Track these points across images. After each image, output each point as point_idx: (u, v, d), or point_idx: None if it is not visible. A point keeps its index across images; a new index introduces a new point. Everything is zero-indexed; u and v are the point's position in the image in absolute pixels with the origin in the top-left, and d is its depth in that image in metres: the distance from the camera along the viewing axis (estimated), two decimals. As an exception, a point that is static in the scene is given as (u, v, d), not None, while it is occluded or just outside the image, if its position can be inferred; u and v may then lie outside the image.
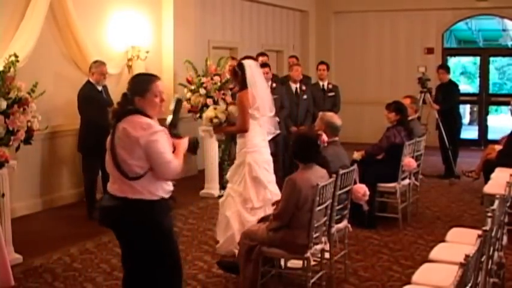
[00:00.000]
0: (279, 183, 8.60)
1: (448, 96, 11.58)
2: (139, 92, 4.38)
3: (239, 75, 6.93)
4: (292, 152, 5.71)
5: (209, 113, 7.50)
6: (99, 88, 8.56)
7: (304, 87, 10.79)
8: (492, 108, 17.13)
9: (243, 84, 6.91)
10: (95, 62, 8.66)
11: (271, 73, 10.41)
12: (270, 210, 6.84)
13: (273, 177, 7.06)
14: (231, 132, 7.54)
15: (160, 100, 4.44)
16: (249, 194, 6.87)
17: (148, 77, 4.58)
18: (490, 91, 16.67)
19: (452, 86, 11.82)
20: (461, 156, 12.51)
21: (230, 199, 6.98)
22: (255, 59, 8.13)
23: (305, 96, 10.70)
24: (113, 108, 4.58)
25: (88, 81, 8.56)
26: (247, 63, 7.05)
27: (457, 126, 11.81)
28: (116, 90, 9.23)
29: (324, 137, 6.12)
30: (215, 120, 7.37)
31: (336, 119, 6.67)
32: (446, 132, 11.57)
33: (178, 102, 4.80)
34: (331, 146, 6.46)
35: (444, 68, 12.04)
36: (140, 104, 4.35)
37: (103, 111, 8.20)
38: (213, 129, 7.71)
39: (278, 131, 7.47)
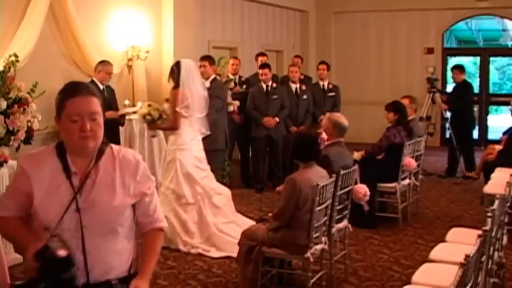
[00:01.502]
0: (279, 183, 8.67)
1: (461, 96, 11.62)
2: (56, 110, 2.92)
3: (175, 73, 7.17)
4: (292, 151, 5.71)
5: (142, 110, 7.70)
6: (101, 87, 8.57)
7: (304, 87, 10.78)
8: (492, 108, 17.12)
9: (176, 83, 7.16)
10: (102, 61, 8.75)
11: (270, 74, 10.39)
12: (204, 205, 7.09)
13: (206, 174, 7.29)
14: (163, 129, 7.78)
15: (80, 128, 2.80)
16: (182, 191, 7.08)
17: (69, 89, 2.92)
18: (490, 91, 16.68)
19: (466, 86, 11.84)
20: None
21: (163, 197, 7.10)
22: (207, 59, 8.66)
23: (305, 96, 10.69)
24: None
25: (91, 81, 8.58)
26: (184, 62, 7.29)
27: (469, 127, 11.80)
28: (116, 90, 9.24)
29: (324, 136, 6.13)
30: (148, 117, 7.60)
31: (343, 119, 6.67)
32: (456, 132, 11.61)
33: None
34: (336, 147, 6.46)
35: (458, 68, 12.07)
36: (59, 128, 2.94)
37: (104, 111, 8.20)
38: (146, 126, 7.87)
39: (208, 132, 7.60)
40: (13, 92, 6.39)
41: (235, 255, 6.36)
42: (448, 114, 12.04)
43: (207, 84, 8.61)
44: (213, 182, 7.36)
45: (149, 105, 7.87)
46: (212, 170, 8.31)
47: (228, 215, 7.32)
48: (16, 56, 6.61)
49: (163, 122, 7.53)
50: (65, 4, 8.86)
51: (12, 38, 8.11)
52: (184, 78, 7.14)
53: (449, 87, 14.81)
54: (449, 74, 14.51)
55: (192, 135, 7.27)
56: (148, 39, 10.56)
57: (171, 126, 7.26)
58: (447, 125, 12.16)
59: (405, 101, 8.99)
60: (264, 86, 10.30)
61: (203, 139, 8.30)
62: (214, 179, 7.44)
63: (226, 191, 7.52)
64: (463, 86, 11.75)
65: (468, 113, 11.79)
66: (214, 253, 6.85)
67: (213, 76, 8.77)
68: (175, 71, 7.19)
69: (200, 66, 8.72)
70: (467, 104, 11.73)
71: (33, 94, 6.59)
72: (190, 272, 6.42)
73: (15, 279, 5.96)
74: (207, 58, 8.82)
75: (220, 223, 7.14)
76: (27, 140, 6.62)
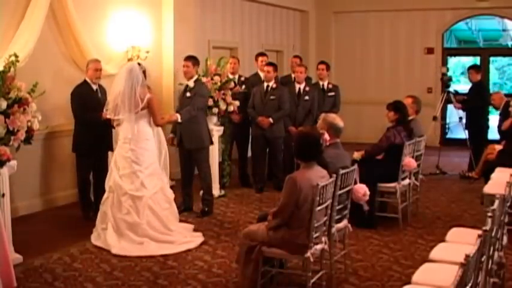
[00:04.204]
0: (280, 183, 8.69)
1: (475, 96, 11.65)
2: None
3: None
4: (294, 150, 5.70)
5: None
6: (94, 87, 8.54)
7: (307, 88, 10.70)
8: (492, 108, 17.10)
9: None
10: (91, 59, 8.70)
11: (273, 73, 10.33)
12: (113, 198, 7.32)
13: (123, 172, 7.37)
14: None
15: None
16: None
17: None
18: (490, 91, 16.65)
19: (481, 86, 11.89)
20: (462, 156, 12.55)
21: None
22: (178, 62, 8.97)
23: (306, 97, 10.61)
24: None
25: (84, 81, 8.55)
26: (127, 65, 7.65)
27: (482, 126, 11.81)
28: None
29: (326, 137, 6.12)
30: None
31: (338, 120, 6.65)
32: (470, 131, 11.66)
33: None
34: (332, 148, 6.44)
35: (474, 68, 12.13)
36: None
37: (96, 111, 8.23)
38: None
39: (128, 135, 7.59)
40: (13, 92, 6.38)
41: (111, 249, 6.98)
42: (462, 114, 12.09)
43: (191, 84, 8.62)
44: (129, 184, 7.32)
45: None
46: (202, 168, 8.70)
47: (133, 216, 7.27)
48: (16, 56, 6.59)
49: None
50: (65, 4, 8.87)
51: (12, 38, 8.13)
52: (118, 79, 7.41)
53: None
54: (449, 73, 14.49)
55: (122, 134, 7.48)
56: (149, 39, 10.57)
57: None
58: (448, 125, 12.19)
59: (408, 101, 8.94)
60: (265, 85, 10.28)
61: (190, 139, 8.36)
62: (134, 181, 7.34)
63: (142, 196, 7.36)
64: (479, 86, 11.80)
65: (483, 113, 11.80)
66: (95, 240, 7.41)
67: (195, 76, 8.70)
68: None
69: (183, 66, 8.73)
70: (482, 104, 11.73)
71: (33, 94, 6.59)
72: (190, 272, 6.42)
73: (15, 279, 5.97)
74: (191, 58, 8.74)
75: (120, 218, 7.28)
76: (28, 140, 6.61)
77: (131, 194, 7.27)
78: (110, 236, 7.19)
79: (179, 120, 8.31)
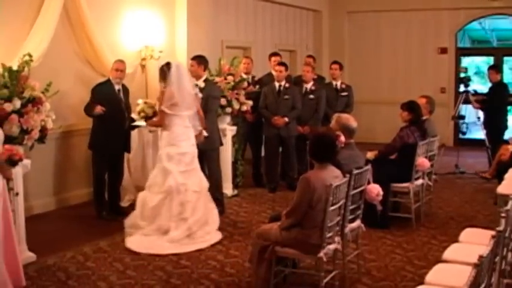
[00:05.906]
0: (293, 183, 8.68)
1: (495, 96, 11.64)
2: None
3: (165, 74, 7.48)
4: (309, 150, 5.69)
5: (139, 106, 8.38)
6: (117, 87, 8.56)
7: (313, 88, 10.68)
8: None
9: (166, 82, 7.49)
10: (115, 60, 8.74)
11: (285, 73, 10.33)
12: (172, 198, 7.33)
13: (187, 168, 7.49)
14: (154, 125, 8.12)
15: None
16: (154, 180, 7.47)
17: None
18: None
19: (501, 86, 11.88)
20: (474, 156, 12.49)
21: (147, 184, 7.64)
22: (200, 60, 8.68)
23: (311, 96, 10.57)
24: None
25: (108, 80, 8.60)
26: (174, 63, 7.60)
27: (500, 127, 11.80)
28: (129, 89, 9.26)
29: (342, 138, 6.11)
30: (142, 114, 8.33)
31: (351, 121, 6.63)
32: (488, 131, 11.67)
33: None
34: (346, 149, 6.41)
35: (494, 68, 12.15)
36: None
37: (114, 110, 8.25)
38: (145, 122, 8.42)
39: (199, 128, 7.87)
40: (27, 91, 6.42)
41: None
42: (481, 114, 12.07)
43: (201, 84, 8.57)
44: (190, 180, 7.46)
45: (145, 103, 8.38)
46: (212, 168, 8.73)
47: (187, 212, 7.38)
48: (30, 56, 6.64)
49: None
50: (78, 4, 8.91)
51: (26, 38, 8.16)
52: (172, 78, 7.42)
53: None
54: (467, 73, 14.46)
55: (180, 131, 7.49)
56: (162, 39, 10.60)
57: (158, 123, 7.72)
58: (467, 125, 12.21)
59: (422, 101, 8.93)
60: (277, 85, 10.27)
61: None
62: (195, 176, 7.55)
63: (203, 188, 7.63)
64: (499, 87, 11.79)
65: (501, 114, 11.78)
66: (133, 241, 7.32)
67: (204, 76, 8.65)
68: (166, 72, 7.47)
69: (190, 66, 8.72)
70: (501, 105, 11.72)
71: (47, 93, 6.63)
72: (203, 271, 6.43)
73: (29, 277, 6.01)
74: (195, 58, 8.63)
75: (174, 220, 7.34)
76: (41, 139, 6.65)
77: (193, 190, 7.45)
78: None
79: (205, 134, 8.21)
